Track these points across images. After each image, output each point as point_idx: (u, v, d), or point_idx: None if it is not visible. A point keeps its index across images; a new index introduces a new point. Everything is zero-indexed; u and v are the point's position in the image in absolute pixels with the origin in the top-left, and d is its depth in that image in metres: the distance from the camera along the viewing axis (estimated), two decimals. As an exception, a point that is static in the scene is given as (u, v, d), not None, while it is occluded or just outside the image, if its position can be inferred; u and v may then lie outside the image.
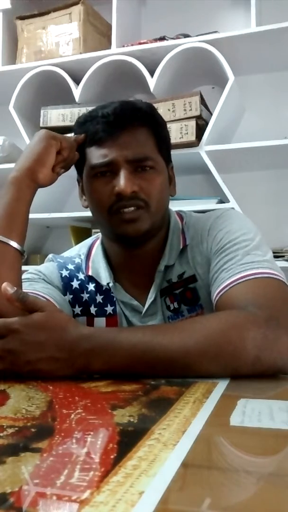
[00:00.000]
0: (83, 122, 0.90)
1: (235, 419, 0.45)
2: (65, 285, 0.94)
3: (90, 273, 0.94)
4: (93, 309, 0.93)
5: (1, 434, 0.41)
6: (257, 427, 0.43)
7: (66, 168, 0.90)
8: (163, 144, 0.90)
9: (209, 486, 0.32)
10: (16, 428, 0.43)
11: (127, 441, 0.39)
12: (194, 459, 0.36)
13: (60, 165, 0.88)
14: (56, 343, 0.64)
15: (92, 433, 0.42)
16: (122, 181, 0.82)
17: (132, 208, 0.83)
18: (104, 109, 0.86)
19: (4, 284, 0.68)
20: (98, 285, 0.94)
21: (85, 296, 0.94)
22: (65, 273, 0.95)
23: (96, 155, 0.86)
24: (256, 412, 0.47)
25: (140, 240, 0.87)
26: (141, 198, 0.84)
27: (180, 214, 0.97)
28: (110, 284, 0.92)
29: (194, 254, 0.89)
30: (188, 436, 0.39)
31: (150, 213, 0.85)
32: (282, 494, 0.30)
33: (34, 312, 0.67)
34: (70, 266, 0.96)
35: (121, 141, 0.84)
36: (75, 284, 0.94)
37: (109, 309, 0.93)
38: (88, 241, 1.02)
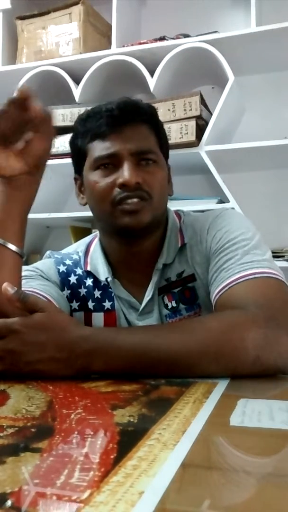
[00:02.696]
0: (85, 119, 0.90)
1: (235, 419, 0.45)
2: (63, 280, 0.94)
3: (88, 268, 0.94)
4: (91, 304, 0.93)
5: (1, 434, 0.41)
6: (257, 427, 0.43)
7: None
8: (163, 143, 0.92)
9: (209, 486, 0.32)
10: (16, 428, 0.43)
11: (127, 441, 0.39)
12: (194, 459, 0.36)
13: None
14: (56, 344, 0.64)
15: (92, 433, 0.42)
16: (126, 172, 0.82)
17: (135, 200, 0.83)
18: (107, 105, 0.87)
19: (5, 285, 0.68)
20: (96, 280, 0.94)
21: (83, 291, 0.94)
22: (62, 268, 0.95)
23: (99, 148, 0.86)
24: (256, 412, 0.47)
25: (140, 233, 0.87)
26: (144, 189, 0.84)
27: (178, 213, 0.98)
28: (109, 279, 0.92)
29: (193, 253, 0.89)
30: (188, 436, 0.39)
31: (152, 205, 0.85)
32: (282, 494, 0.30)
33: (34, 312, 0.67)
34: (68, 262, 0.96)
35: (124, 135, 0.85)
36: (72, 279, 0.94)
37: (107, 304, 0.92)
38: (86, 239, 1.02)
